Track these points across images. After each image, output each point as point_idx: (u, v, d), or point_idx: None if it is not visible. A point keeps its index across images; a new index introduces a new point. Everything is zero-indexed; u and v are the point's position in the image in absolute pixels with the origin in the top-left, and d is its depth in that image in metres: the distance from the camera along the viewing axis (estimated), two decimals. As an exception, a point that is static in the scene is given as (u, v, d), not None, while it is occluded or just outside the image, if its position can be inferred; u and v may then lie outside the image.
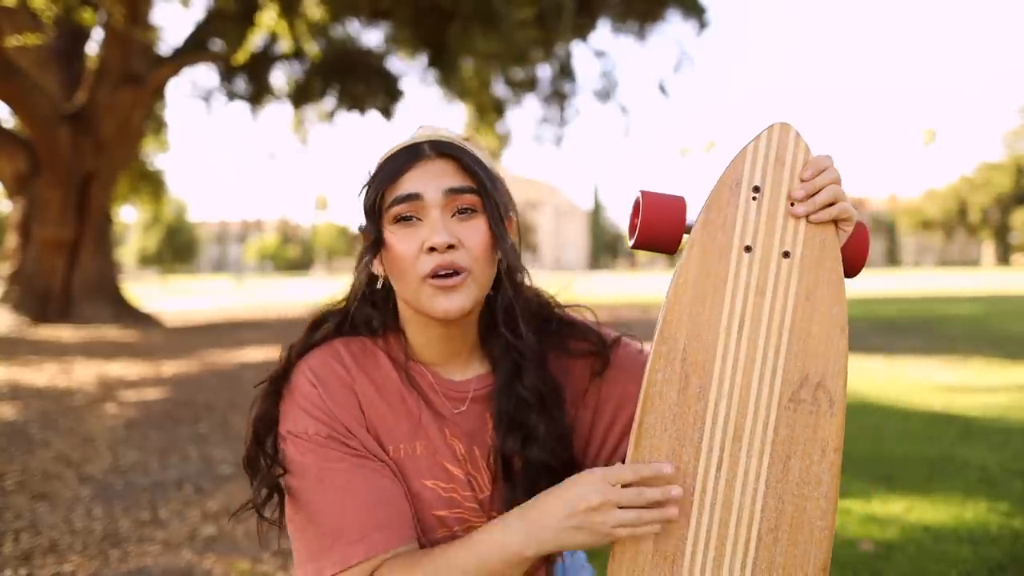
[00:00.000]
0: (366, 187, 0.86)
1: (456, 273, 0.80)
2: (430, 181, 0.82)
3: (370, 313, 0.91)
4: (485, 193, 0.83)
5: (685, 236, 0.77)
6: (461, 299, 0.81)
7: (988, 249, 54.79)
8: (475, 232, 0.82)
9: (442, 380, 0.91)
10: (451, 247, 0.80)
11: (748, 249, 0.75)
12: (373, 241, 0.84)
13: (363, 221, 0.86)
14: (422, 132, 0.89)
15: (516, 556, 0.74)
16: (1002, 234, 52.31)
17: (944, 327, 8.60)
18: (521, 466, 0.87)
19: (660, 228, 0.76)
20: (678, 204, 0.77)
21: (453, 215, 0.82)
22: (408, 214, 0.82)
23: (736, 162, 0.75)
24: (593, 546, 0.74)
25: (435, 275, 0.80)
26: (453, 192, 0.82)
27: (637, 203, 0.78)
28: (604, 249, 68.48)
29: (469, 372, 0.92)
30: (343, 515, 0.79)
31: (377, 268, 0.88)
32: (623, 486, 0.72)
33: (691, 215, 0.78)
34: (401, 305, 0.89)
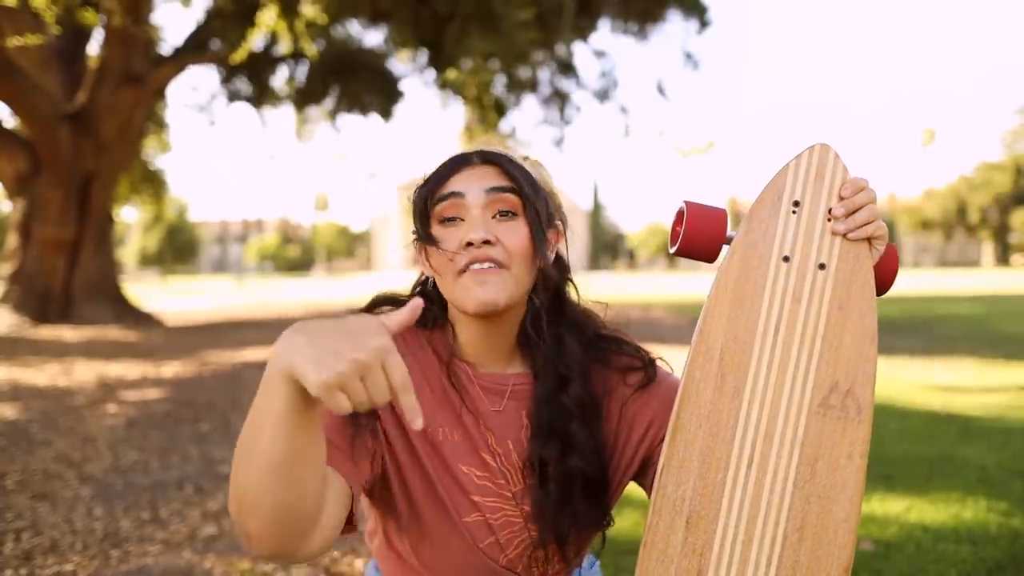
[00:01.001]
0: (417, 191, 0.91)
1: (493, 267, 0.84)
2: (473, 183, 0.87)
3: (426, 307, 0.94)
4: (525, 196, 0.87)
5: (724, 247, 0.81)
6: (495, 290, 0.83)
7: (987, 249, 54.77)
8: (513, 232, 0.86)
9: (481, 375, 0.94)
10: (487, 243, 0.83)
11: (786, 259, 0.79)
12: (428, 236, 0.88)
13: (413, 223, 0.91)
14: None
15: (268, 381, 0.61)
16: (1001, 234, 52.27)
17: (943, 327, 8.60)
18: (557, 472, 0.89)
19: (702, 237, 0.81)
20: (720, 215, 0.81)
21: (494, 216, 0.86)
22: (451, 214, 0.86)
23: (778, 177, 0.80)
24: (309, 382, 0.57)
25: (470, 269, 0.84)
26: (494, 191, 0.86)
27: (681, 212, 0.82)
28: (604, 249, 68.44)
29: (508, 370, 0.95)
30: None
31: (425, 268, 0.92)
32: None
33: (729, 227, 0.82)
34: (449, 304, 0.93)
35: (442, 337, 0.95)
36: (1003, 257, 52.96)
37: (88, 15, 8.12)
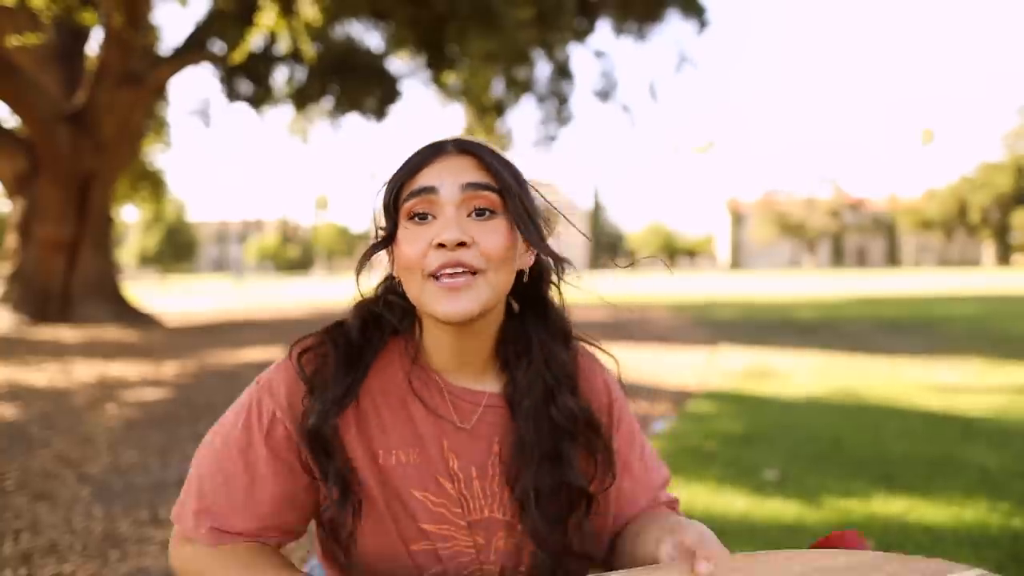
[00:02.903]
0: (386, 183, 0.82)
1: (467, 273, 0.75)
2: (447, 176, 0.77)
3: (395, 302, 0.88)
4: (507, 192, 0.77)
5: None
6: (467, 301, 0.75)
7: (988, 249, 54.80)
8: (491, 232, 0.77)
9: (452, 387, 0.86)
10: (462, 244, 0.75)
11: None
12: (385, 237, 0.81)
13: (380, 217, 0.83)
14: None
15: None
16: (1002, 234, 52.32)
17: (944, 327, 8.60)
18: (548, 496, 0.84)
19: None
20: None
21: (470, 214, 0.77)
22: (422, 211, 0.77)
23: None
24: None
25: (440, 274, 0.75)
26: (471, 188, 0.77)
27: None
28: (604, 249, 68.57)
29: (482, 384, 0.88)
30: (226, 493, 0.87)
31: (390, 267, 0.85)
32: None
33: None
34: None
35: (410, 341, 0.88)
36: (1004, 257, 53.01)
37: (86, 15, 8.12)
